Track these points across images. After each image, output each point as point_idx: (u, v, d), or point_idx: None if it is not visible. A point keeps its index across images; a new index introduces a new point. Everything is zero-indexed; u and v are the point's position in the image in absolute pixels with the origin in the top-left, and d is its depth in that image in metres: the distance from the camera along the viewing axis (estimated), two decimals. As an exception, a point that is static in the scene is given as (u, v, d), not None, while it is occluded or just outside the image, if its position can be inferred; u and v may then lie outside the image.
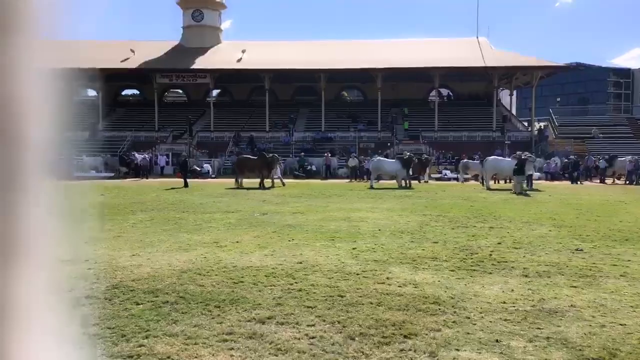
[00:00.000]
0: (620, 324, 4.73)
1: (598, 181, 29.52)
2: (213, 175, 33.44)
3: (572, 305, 5.29)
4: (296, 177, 32.15)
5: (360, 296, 5.58)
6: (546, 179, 30.73)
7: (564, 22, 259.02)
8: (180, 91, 52.78)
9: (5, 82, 0.70)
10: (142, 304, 5.28)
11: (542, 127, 44.17)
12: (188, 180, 24.45)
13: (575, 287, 6.03)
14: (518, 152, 23.89)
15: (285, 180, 25.65)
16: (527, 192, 20.41)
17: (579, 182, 28.33)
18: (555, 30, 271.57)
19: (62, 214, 0.78)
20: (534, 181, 24.03)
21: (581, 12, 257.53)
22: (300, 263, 7.21)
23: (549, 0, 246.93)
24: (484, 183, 23.92)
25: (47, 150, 0.74)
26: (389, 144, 38.71)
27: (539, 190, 21.54)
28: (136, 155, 34.09)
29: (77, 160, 32.79)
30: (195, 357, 3.96)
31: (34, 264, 0.73)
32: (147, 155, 34.74)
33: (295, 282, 6.13)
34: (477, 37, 46.71)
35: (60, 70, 0.75)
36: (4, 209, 0.70)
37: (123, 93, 52.76)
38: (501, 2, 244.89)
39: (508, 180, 25.90)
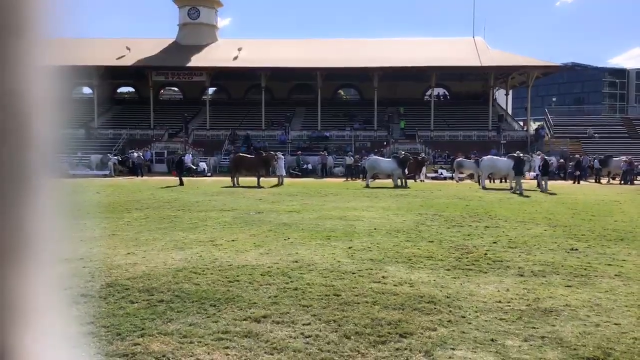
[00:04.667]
0: (615, 324, 4.75)
1: (593, 181, 29.64)
2: (209, 174, 33.41)
3: (567, 305, 5.31)
4: (292, 175, 32.15)
5: (356, 295, 5.58)
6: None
7: (564, 21, 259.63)
8: (176, 89, 52.61)
9: (5, 80, 0.69)
10: (137, 302, 5.27)
11: (538, 127, 44.34)
12: (183, 178, 24.43)
13: (570, 286, 6.06)
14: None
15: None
16: (519, 191, 20.25)
17: (579, 182, 28.37)
18: (555, 30, 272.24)
19: (59, 212, 0.78)
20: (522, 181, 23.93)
21: (582, 11, 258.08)
22: (296, 262, 7.21)
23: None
24: (480, 182, 23.96)
25: (46, 149, 0.74)
26: (385, 143, 38.75)
27: (534, 190, 21.56)
28: (134, 153, 34.03)
29: (81, 158, 32.80)
30: (191, 356, 3.95)
31: (35, 263, 0.73)
32: (142, 153, 34.65)
33: (291, 281, 6.13)
34: (473, 37, 46.85)
35: (57, 68, 0.75)
36: (5, 207, 0.70)
37: (119, 91, 52.53)
38: (501, 2, 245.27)
39: (504, 180, 26.00)
